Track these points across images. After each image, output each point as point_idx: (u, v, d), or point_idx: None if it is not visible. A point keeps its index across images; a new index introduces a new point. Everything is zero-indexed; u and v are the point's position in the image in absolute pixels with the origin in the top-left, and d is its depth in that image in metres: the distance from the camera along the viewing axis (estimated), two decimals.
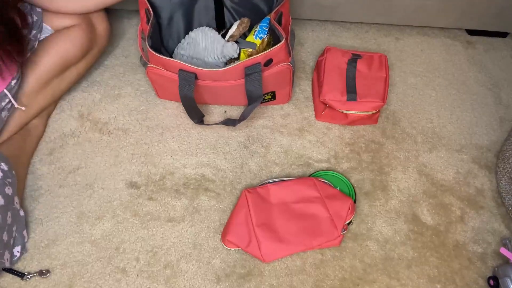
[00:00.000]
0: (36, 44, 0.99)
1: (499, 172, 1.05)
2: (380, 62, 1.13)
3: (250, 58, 0.94)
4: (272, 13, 0.99)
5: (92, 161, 1.06)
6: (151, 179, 1.03)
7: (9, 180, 0.85)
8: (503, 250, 0.88)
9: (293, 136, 1.12)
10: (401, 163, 1.09)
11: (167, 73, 0.99)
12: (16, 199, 0.89)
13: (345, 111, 1.08)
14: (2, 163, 0.85)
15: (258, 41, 1.08)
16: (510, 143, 1.05)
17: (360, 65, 1.12)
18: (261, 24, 1.10)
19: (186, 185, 1.03)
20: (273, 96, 1.10)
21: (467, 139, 1.14)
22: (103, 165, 1.05)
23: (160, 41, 1.13)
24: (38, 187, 1.01)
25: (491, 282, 0.90)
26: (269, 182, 0.99)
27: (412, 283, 0.91)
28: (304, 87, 1.22)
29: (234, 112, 1.14)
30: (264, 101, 1.12)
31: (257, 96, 0.99)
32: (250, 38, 1.10)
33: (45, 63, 0.98)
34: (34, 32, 0.97)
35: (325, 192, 0.96)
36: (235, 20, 1.16)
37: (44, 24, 1.00)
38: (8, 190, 0.84)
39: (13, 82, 0.92)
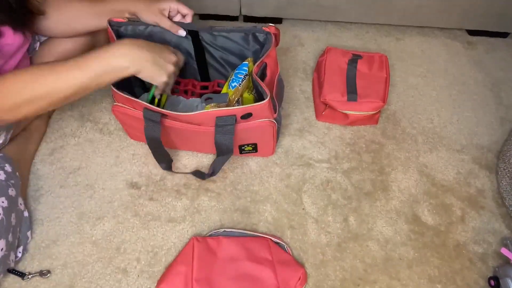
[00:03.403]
0: (38, 45, 0.99)
1: (499, 173, 1.05)
2: (381, 63, 1.13)
3: (225, 108, 0.85)
4: (254, 67, 0.88)
5: (93, 162, 1.06)
6: (152, 180, 1.03)
7: (12, 181, 0.85)
8: (504, 250, 0.88)
9: (294, 136, 1.12)
10: (402, 163, 1.09)
11: (134, 112, 0.91)
12: (20, 200, 0.89)
13: (345, 112, 1.08)
14: (6, 164, 0.85)
15: (230, 91, 0.96)
16: (511, 143, 1.05)
17: (361, 66, 1.12)
18: (236, 71, 0.98)
19: (186, 185, 1.03)
20: (254, 148, 1.02)
21: (467, 139, 1.14)
22: (103, 165, 1.05)
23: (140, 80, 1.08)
24: (39, 187, 1.01)
25: (492, 282, 0.90)
26: (225, 231, 0.94)
27: (413, 283, 0.91)
28: (305, 87, 1.23)
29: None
30: (244, 152, 1.03)
31: (227, 150, 0.90)
32: (225, 88, 0.99)
33: None
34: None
35: (277, 256, 0.89)
36: (219, 64, 1.05)
37: None
38: (12, 192, 0.84)
39: None
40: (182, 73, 1.08)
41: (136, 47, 0.78)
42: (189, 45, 1.01)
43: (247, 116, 0.87)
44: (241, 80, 0.96)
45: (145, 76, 0.80)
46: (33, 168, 1.04)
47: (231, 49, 1.01)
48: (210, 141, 0.91)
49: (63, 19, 0.92)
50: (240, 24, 1.39)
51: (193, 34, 0.98)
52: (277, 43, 0.94)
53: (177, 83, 1.08)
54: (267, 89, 0.85)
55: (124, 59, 0.77)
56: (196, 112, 0.85)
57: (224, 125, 0.86)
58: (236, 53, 1.01)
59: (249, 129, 0.92)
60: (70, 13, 0.92)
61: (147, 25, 0.95)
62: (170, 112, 0.86)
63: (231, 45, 0.99)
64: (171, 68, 0.82)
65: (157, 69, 0.80)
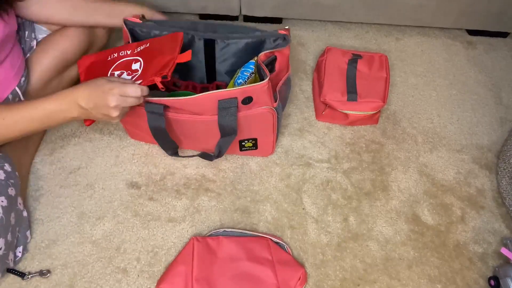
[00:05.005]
0: (35, 44, 0.99)
1: (499, 172, 1.05)
2: (381, 62, 1.13)
3: (226, 90, 0.84)
4: (262, 54, 0.89)
5: (93, 162, 1.06)
6: (152, 179, 1.03)
7: (12, 181, 0.85)
8: (504, 250, 0.88)
9: (294, 136, 1.12)
10: (402, 163, 1.09)
11: (136, 107, 0.88)
12: (20, 200, 0.89)
13: (345, 111, 1.08)
14: (5, 164, 0.85)
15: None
16: (511, 143, 1.05)
17: (361, 65, 1.12)
18: (242, 69, 0.98)
19: (186, 185, 1.03)
20: (254, 144, 1.02)
21: (467, 139, 1.14)
22: (103, 165, 1.05)
23: None
24: (39, 187, 1.01)
25: (492, 282, 0.90)
26: (225, 231, 0.94)
27: (413, 283, 0.91)
28: (305, 87, 1.23)
29: None
30: (244, 149, 1.03)
31: (231, 130, 0.90)
32: (231, 85, 1.00)
33: (45, 62, 0.98)
34: (27, 32, 0.97)
35: (277, 256, 0.89)
36: (228, 71, 1.06)
37: (38, 25, 1.00)
38: (11, 191, 0.84)
39: (22, 79, 0.93)
40: (188, 77, 1.08)
41: (85, 104, 0.79)
42: (200, 51, 1.02)
43: (248, 101, 0.87)
44: (246, 77, 0.96)
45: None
46: (33, 168, 1.04)
47: (243, 56, 1.01)
48: (214, 132, 0.91)
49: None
50: (240, 23, 1.38)
51: (209, 42, 0.98)
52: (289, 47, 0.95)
53: (176, 85, 1.08)
54: (267, 71, 0.86)
55: (76, 111, 0.80)
56: (198, 95, 0.85)
57: (227, 108, 0.86)
58: (247, 59, 1.01)
59: (250, 117, 0.91)
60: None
61: (161, 29, 0.96)
62: (172, 99, 0.86)
63: (243, 51, 1.00)
64: (114, 114, 0.80)
65: (102, 118, 0.82)
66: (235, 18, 1.38)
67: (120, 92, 0.78)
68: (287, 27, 0.96)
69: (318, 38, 1.35)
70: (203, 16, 1.37)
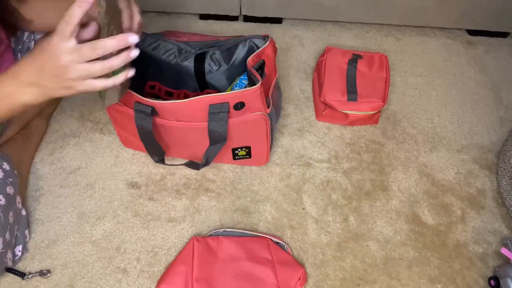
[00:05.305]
0: (33, 44, 0.99)
1: (499, 172, 1.05)
2: (381, 62, 1.13)
3: (217, 94, 0.84)
4: (249, 59, 0.88)
5: (93, 161, 1.06)
6: (152, 179, 1.03)
7: (11, 179, 0.85)
8: (504, 250, 0.88)
9: (294, 136, 1.12)
10: (402, 163, 1.09)
11: (126, 109, 0.89)
12: (18, 199, 0.89)
13: (345, 111, 1.08)
14: (4, 163, 0.85)
15: None
16: (511, 143, 1.05)
17: (361, 65, 1.12)
18: (241, 77, 0.99)
19: (186, 185, 1.03)
20: (248, 153, 1.01)
21: (467, 139, 1.14)
22: (103, 165, 1.05)
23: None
24: (39, 187, 1.01)
25: (492, 282, 0.90)
26: (225, 231, 0.93)
27: (413, 283, 0.91)
28: (305, 87, 1.23)
29: None
30: (238, 157, 1.02)
31: (221, 137, 0.89)
32: (228, 91, 0.99)
33: None
34: (26, 33, 0.97)
35: (277, 256, 0.89)
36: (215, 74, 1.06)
37: None
38: (10, 190, 0.84)
39: None
40: (179, 85, 1.08)
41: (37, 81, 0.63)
42: (189, 65, 1.03)
43: (240, 106, 0.87)
44: (244, 86, 0.96)
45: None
46: (33, 168, 1.04)
47: (232, 63, 1.02)
48: (204, 140, 0.90)
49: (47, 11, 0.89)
50: (240, 24, 1.38)
51: (200, 54, 1.00)
52: (275, 51, 0.95)
53: (170, 94, 1.08)
54: (259, 76, 0.86)
55: (26, 92, 0.65)
56: (189, 99, 0.84)
57: (218, 112, 0.86)
58: (238, 70, 1.02)
59: (242, 123, 0.90)
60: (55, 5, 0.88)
61: (155, 40, 0.98)
62: (162, 102, 0.85)
63: (232, 58, 1.01)
64: (73, 75, 0.62)
65: (64, 93, 0.65)
66: (235, 18, 1.38)
67: (63, 39, 0.59)
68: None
69: (318, 38, 1.35)
70: (203, 16, 1.37)
